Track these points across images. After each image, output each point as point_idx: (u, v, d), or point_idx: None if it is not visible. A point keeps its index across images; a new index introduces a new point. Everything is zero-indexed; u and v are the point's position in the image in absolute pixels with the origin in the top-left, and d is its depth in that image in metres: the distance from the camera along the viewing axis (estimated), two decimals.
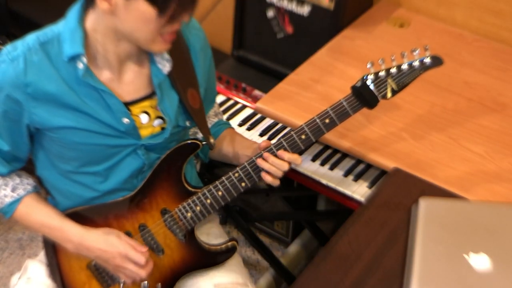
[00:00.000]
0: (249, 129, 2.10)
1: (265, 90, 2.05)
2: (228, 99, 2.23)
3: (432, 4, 2.26)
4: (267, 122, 2.11)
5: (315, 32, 2.17)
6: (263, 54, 2.33)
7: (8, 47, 1.45)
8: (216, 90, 1.80)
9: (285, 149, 1.53)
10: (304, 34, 2.20)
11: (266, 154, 1.54)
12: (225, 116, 2.14)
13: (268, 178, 1.55)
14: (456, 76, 2.02)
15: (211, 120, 1.77)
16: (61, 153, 1.54)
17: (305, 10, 2.16)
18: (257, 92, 2.23)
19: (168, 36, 1.43)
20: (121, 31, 1.41)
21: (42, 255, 1.72)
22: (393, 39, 2.14)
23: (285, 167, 1.54)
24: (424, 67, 1.54)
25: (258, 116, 2.14)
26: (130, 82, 1.52)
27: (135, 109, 1.53)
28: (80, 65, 1.43)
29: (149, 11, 1.35)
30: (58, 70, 1.44)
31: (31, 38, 1.45)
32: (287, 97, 1.93)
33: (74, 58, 1.43)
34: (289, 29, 2.22)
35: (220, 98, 2.22)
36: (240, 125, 2.12)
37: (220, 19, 2.58)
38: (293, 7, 2.18)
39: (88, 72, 1.45)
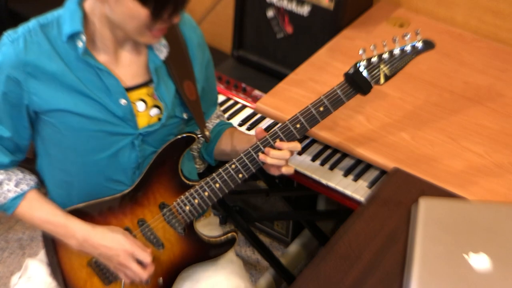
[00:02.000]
0: (249, 129, 2.10)
1: (265, 90, 2.05)
2: (228, 99, 2.23)
3: (432, 4, 2.26)
4: (267, 122, 2.11)
5: (315, 32, 2.18)
6: (263, 54, 2.33)
7: (9, 31, 1.48)
8: (217, 93, 1.81)
9: (281, 139, 1.54)
10: (304, 34, 2.20)
11: (266, 149, 1.54)
12: (225, 116, 2.14)
13: (273, 171, 1.57)
14: (456, 76, 2.02)
15: (213, 122, 1.77)
16: (58, 142, 1.54)
17: (305, 10, 2.16)
18: (257, 92, 2.23)
19: (158, 32, 1.44)
20: (112, 20, 1.43)
21: (42, 254, 1.73)
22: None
23: (287, 155, 1.54)
24: (416, 52, 1.54)
25: (258, 116, 2.14)
26: (127, 68, 1.53)
27: (132, 96, 1.54)
28: (80, 44, 1.45)
29: (137, 9, 1.36)
30: (57, 51, 1.46)
31: (31, 22, 1.48)
32: (287, 97, 1.94)
33: (73, 37, 1.45)
34: (289, 29, 2.23)
35: (220, 98, 2.22)
36: (240, 125, 2.12)
37: (220, 19, 2.58)
38: (293, 7, 2.18)
39: (87, 52, 1.47)
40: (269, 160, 1.54)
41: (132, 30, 1.42)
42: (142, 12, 1.36)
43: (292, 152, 1.55)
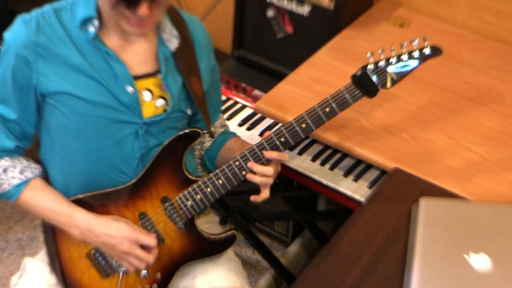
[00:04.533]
0: (249, 129, 2.10)
1: (265, 90, 2.05)
2: (228, 99, 2.23)
3: (432, 4, 2.26)
4: (267, 122, 2.11)
5: (315, 32, 2.17)
6: (263, 54, 2.33)
7: (23, 14, 1.50)
8: (221, 100, 1.82)
9: (286, 138, 1.55)
10: (304, 34, 2.20)
11: (250, 163, 1.55)
12: (225, 116, 2.14)
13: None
14: (456, 76, 2.02)
15: (218, 131, 1.78)
16: (63, 127, 1.55)
17: (305, 10, 2.16)
18: (257, 92, 2.23)
19: (134, 22, 1.43)
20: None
21: (41, 254, 1.73)
22: (393, 39, 2.14)
23: (270, 172, 1.56)
24: (423, 57, 1.55)
25: (258, 116, 2.14)
26: (136, 55, 1.54)
27: (138, 84, 1.55)
28: (91, 28, 1.48)
29: None
30: (69, 34, 1.49)
31: (46, 6, 1.51)
32: (287, 97, 1.93)
33: (86, 22, 1.48)
34: (289, 29, 2.22)
35: None
36: (240, 125, 2.12)
37: (220, 19, 2.58)
38: (293, 7, 2.18)
39: (97, 37, 1.49)
40: (257, 179, 1.56)
41: (109, 13, 1.43)
42: None
43: (275, 171, 1.57)
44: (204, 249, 1.67)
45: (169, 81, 1.57)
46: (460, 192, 1.65)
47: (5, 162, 1.58)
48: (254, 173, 1.57)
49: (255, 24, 2.29)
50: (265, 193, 1.60)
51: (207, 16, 2.64)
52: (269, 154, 1.55)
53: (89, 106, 1.51)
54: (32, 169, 1.60)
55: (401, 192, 1.64)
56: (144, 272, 1.60)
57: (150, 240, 1.56)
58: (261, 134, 2.07)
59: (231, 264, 1.72)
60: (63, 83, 1.49)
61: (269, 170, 1.56)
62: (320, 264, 1.47)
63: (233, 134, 1.79)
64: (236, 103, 2.21)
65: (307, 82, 1.98)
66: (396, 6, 2.31)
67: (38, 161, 1.66)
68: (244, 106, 2.20)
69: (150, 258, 1.56)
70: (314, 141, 1.98)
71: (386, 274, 1.43)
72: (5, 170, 1.58)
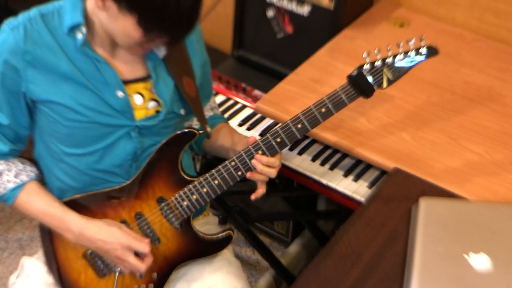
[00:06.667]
0: (249, 129, 2.10)
1: (265, 90, 2.05)
2: (228, 99, 2.23)
3: (432, 4, 2.26)
4: (267, 122, 2.11)
5: (315, 32, 2.17)
6: (263, 54, 2.33)
7: (10, 19, 1.48)
8: (212, 87, 1.81)
9: (282, 138, 1.55)
10: (304, 34, 2.20)
11: (254, 161, 1.56)
12: (225, 116, 2.14)
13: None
14: (456, 76, 2.02)
15: (206, 114, 1.77)
16: (55, 131, 1.54)
17: (305, 10, 2.16)
18: (257, 92, 2.22)
19: (146, 48, 1.47)
20: (106, 28, 1.43)
21: (40, 253, 1.72)
22: (393, 39, 2.12)
23: (273, 174, 1.58)
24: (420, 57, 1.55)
25: (258, 116, 2.13)
26: (125, 62, 1.53)
27: (129, 89, 1.54)
28: (79, 35, 1.46)
29: (135, 29, 1.37)
30: (57, 40, 1.47)
31: (32, 10, 1.49)
32: (287, 97, 1.93)
33: (73, 29, 1.46)
34: (289, 29, 2.22)
35: (220, 98, 2.22)
36: (240, 125, 2.12)
37: (220, 19, 2.58)
38: (293, 7, 2.18)
39: (86, 43, 1.47)
40: (256, 176, 1.57)
41: (122, 44, 1.44)
42: (137, 31, 1.37)
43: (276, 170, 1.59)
44: (200, 249, 1.67)
45: (160, 88, 1.56)
46: (460, 192, 1.65)
47: (0, 166, 1.58)
48: (252, 170, 1.57)
49: (255, 24, 2.29)
50: (262, 189, 1.61)
51: (207, 16, 2.64)
52: (260, 158, 1.56)
53: (80, 112, 1.50)
54: (27, 172, 1.60)
55: (401, 192, 1.64)
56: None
57: (143, 246, 1.55)
58: (261, 134, 2.07)
59: (231, 268, 1.72)
60: (53, 91, 1.48)
61: (275, 160, 1.57)
62: (320, 264, 1.47)
63: (222, 120, 1.78)
64: (236, 103, 2.21)
65: (307, 82, 1.98)
66: (396, 6, 2.31)
67: (34, 161, 1.66)
68: (244, 106, 2.20)
69: (141, 267, 1.56)
70: (314, 141, 1.98)
71: (386, 274, 1.43)
72: (0, 174, 1.58)
